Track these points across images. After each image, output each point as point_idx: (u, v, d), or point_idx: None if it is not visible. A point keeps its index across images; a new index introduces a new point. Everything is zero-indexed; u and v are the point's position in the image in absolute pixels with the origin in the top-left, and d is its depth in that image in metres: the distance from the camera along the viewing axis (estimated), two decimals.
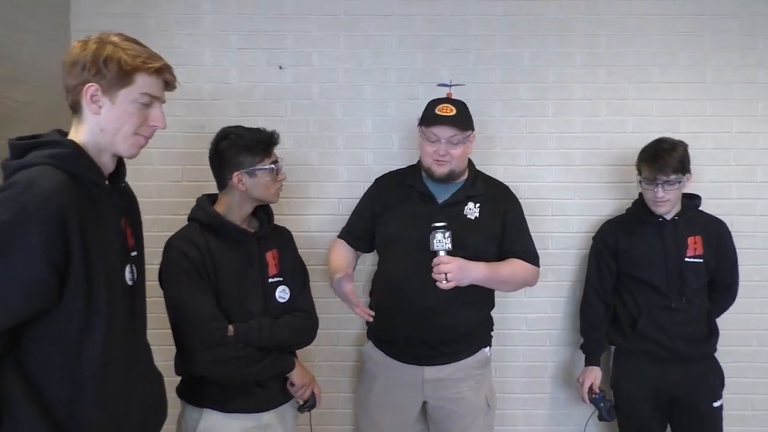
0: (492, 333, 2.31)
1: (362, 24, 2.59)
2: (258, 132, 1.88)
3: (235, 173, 1.84)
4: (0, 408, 1.27)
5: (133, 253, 1.50)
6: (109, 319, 1.35)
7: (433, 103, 2.13)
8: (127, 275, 1.45)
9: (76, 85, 1.34)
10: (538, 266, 2.24)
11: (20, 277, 1.22)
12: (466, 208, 2.16)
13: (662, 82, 2.62)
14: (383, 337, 2.23)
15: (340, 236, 2.37)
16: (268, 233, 1.95)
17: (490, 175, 2.33)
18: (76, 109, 1.37)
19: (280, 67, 2.58)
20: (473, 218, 2.15)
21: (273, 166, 1.87)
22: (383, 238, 2.23)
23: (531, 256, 2.22)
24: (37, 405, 1.28)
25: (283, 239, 2.01)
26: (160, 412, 1.62)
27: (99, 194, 1.38)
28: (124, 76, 1.33)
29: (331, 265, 2.23)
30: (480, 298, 2.18)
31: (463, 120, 2.10)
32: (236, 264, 1.85)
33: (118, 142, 1.38)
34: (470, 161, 2.25)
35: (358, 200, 2.38)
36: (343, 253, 2.30)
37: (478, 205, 2.17)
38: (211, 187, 2.08)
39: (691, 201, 2.38)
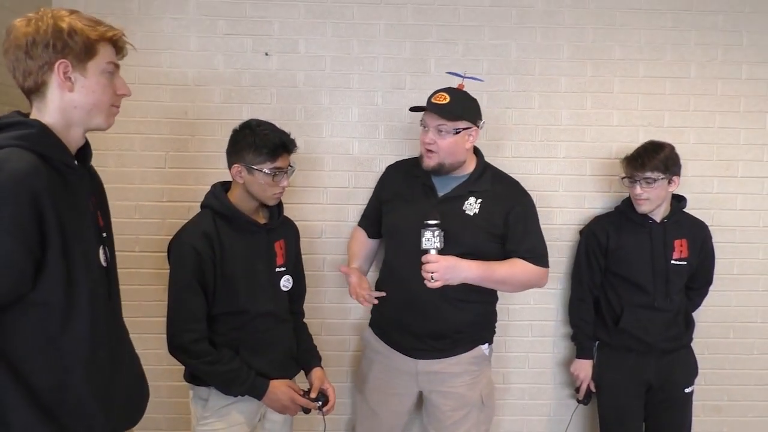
0: (495, 329, 2.31)
1: (350, 11, 2.57)
2: (274, 135, 1.87)
3: (235, 165, 1.87)
4: None
5: (104, 235, 1.47)
6: (92, 302, 1.34)
7: (434, 91, 2.09)
8: (102, 257, 1.43)
9: (41, 65, 1.28)
10: (546, 267, 2.15)
11: None
12: (466, 203, 2.09)
13: (648, 76, 2.63)
14: (381, 325, 2.24)
15: (358, 224, 2.44)
16: (277, 225, 2.00)
17: None
18: (37, 90, 1.32)
19: (266, 54, 2.55)
20: (472, 214, 2.08)
21: (270, 171, 1.85)
22: (385, 228, 2.24)
23: (537, 256, 2.11)
24: (25, 393, 1.26)
25: (291, 230, 2.11)
26: (143, 391, 1.62)
27: (70, 175, 1.34)
28: (90, 47, 1.30)
29: (348, 256, 2.31)
30: (474, 297, 2.12)
31: (454, 110, 2.01)
32: (246, 253, 1.89)
33: (96, 116, 1.36)
34: (480, 155, 2.21)
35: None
36: (358, 243, 2.37)
37: (479, 200, 2.09)
38: (194, 174, 2.06)
39: (678, 203, 2.42)
